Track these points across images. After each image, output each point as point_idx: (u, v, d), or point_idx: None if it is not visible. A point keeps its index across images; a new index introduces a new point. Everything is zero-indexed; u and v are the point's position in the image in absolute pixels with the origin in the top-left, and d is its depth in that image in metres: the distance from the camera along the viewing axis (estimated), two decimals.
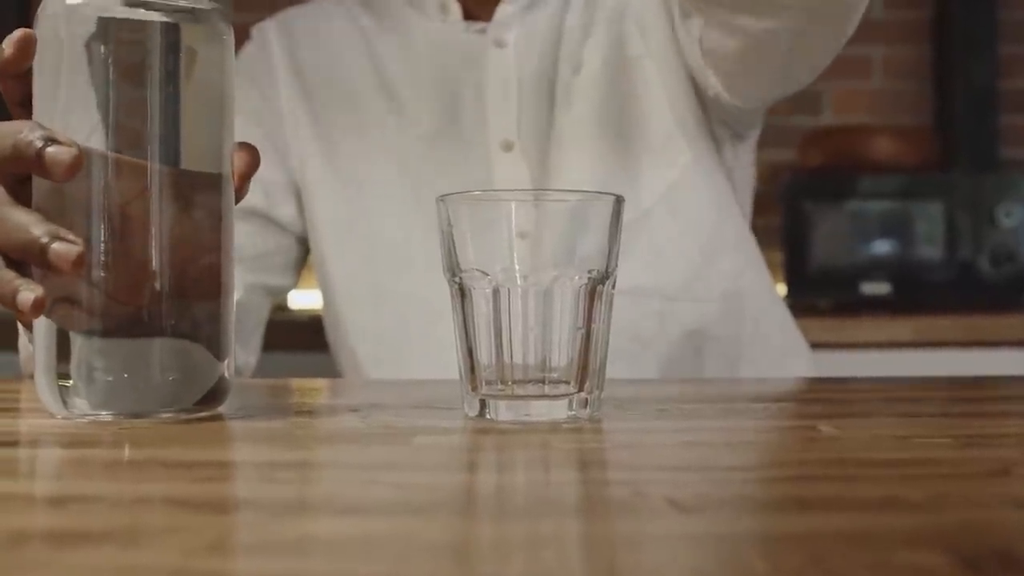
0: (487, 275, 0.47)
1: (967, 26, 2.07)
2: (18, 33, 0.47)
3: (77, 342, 0.46)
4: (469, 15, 0.93)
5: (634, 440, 0.43)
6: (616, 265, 0.48)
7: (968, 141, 2.02)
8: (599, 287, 0.47)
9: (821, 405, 0.56)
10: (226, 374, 0.48)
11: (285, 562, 0.24)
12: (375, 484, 0.34)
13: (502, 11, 0.92)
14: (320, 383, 0.74)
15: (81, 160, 0.44)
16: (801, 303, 1.73)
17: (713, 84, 0.88)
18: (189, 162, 0.47)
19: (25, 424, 0.48)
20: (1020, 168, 2.10)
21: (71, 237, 0.44)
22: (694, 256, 0.90)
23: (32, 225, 0.44)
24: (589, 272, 0.47)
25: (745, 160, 0.98)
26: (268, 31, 0.98)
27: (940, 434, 0.44)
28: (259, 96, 0.95)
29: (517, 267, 0.46)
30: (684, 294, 0.89)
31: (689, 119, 0.91)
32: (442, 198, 0.48)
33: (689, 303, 0.89)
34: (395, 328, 0.90)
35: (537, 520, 0.28)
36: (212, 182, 0.47)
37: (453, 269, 0.48)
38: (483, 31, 0.92)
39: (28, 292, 0.44)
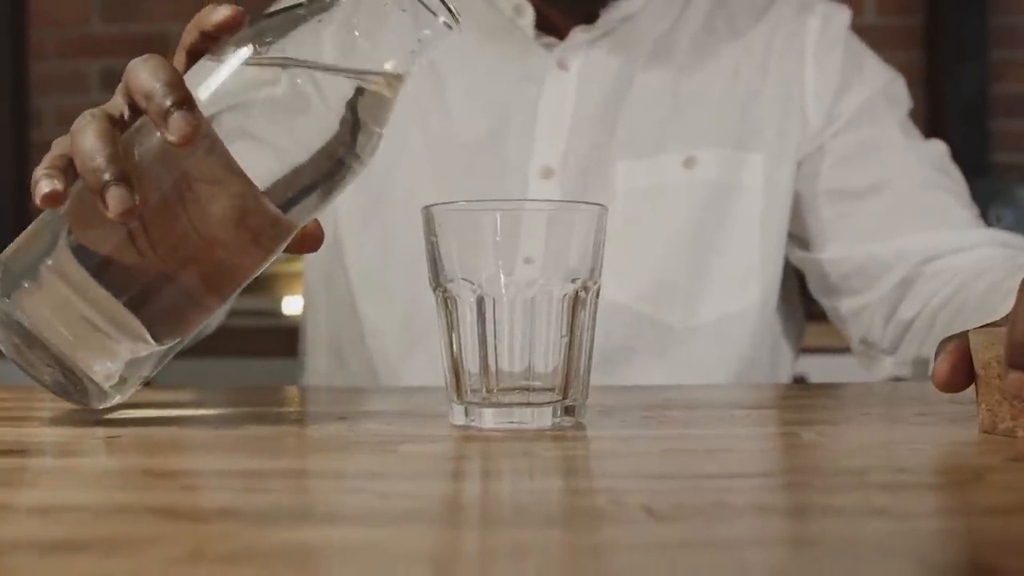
0: (472, 284, 0.47)
1: (958, 32, 2.08)
2: (235, 9, 0.48)
3: (43, 267, 0.46)
4: (543, 25, 0.88)
5: (616, 448, 0.43)
6: (600, 274, 0.49)
7: (960, 146, 2.02)
8: (583, 295, 0.48)
9: (806, 411, 0.57)
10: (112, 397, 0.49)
11: (264, 571, 0.25)
12: (358, 493, 0.34)
13: (575, 36, 0.87)
14: (308, 390, 0.74)
15: (195, 136, 0.44)
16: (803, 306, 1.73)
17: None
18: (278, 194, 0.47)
19: (12, 433, 0.48)
20: (1011, 172, 2.11)
21: (133, 185, 0.44)
22: (720, 379, 0.88)
23: (106, 155, 0.44)
24: (573, 281, 0.47)
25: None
26: None
27: (920, 440, 0.45)
28: None
29: (502, 276, 0.47)
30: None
31: (772, 254, 0.88)
32: (427, 207, 0.48)
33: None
34: (400, 328, 0.88)
35: (513, 530, 0.29)
36: (276, 223, 0.48)
37: (438, 279, 0.48)
38: (550, 47, 0.88)
39: (47, 183, 0.45)
